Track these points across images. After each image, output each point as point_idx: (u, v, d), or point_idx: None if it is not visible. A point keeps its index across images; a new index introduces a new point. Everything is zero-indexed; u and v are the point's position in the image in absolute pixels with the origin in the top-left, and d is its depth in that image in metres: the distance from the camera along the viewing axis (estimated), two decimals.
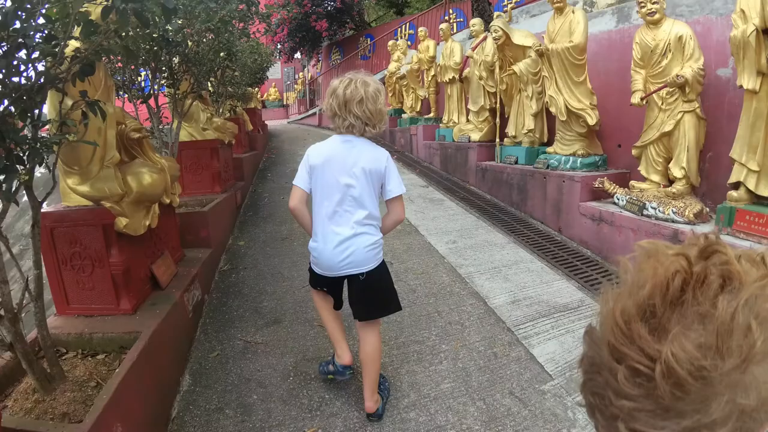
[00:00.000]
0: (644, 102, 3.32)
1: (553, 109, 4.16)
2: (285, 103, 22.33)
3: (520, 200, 4.75)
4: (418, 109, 8.70)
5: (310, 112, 17.56)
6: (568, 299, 2.87)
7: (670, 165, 3.26)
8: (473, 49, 5.73)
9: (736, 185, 2.79)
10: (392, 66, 9.59)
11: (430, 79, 7.79)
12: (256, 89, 10.20)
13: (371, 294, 1.80)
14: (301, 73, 20.71)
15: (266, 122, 13.04)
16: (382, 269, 1.83)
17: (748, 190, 2.72)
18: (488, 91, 5.73)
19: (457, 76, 6.43)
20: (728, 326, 0.33)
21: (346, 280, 1.85)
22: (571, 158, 4.11)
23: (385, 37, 12.09)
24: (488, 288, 3.01)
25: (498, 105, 5.24)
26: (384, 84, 10.43)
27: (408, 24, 12.07)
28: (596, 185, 3.67)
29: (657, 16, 3.20)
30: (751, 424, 0.33)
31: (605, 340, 0.38)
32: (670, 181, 3.35)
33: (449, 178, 6.39)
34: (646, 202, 3.21)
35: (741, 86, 2.63)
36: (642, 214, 3.22)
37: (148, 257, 2.37)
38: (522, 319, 2.62)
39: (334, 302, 1.94)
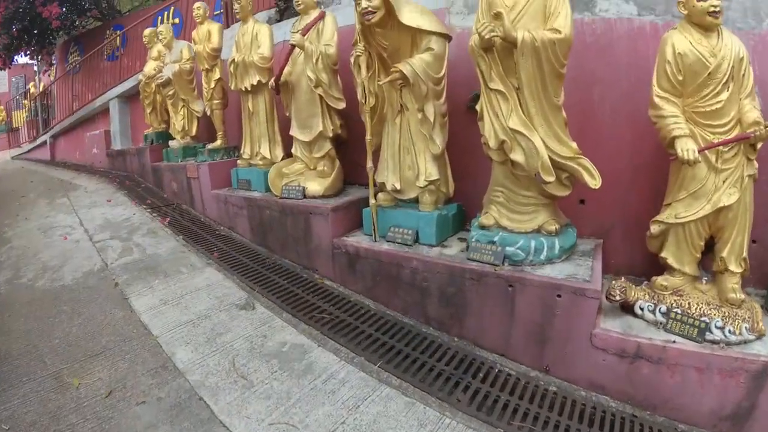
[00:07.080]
0: (699, 158, 2.05)
1: (518, 158, 2.32)
2: (13, 126, 15.83)
3: (442, 317, 2.69)
4: (193, 133, 5.54)
5: (39, 140, 11.26)
6: None
7: (724, 254, 2.18)
8: (303, 33, 3.39)
9: None
10: (149, 67, 5.99)
11: (213, 85, 4.86)
12: None
13: None
14: (32, 83, 14.61)
15: None
16: None
17: None
18: (330, 107, 3.47)
19: (267, 80, 3.85)
20: None
21: None
22: (540, 239, 2.43)
23: (141, 29, 7.63)
24: None
25: (369, 136, 2.93)
26: (139, 95, 6.73)
27: (173, 10, 7.66)
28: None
29: (721, 19, 2.01)
30: None
31: None
32: (707, 271, 2.32)
33: (277, 263, 3.64)
34: (708, 320, 2.05)
35: None
36: (705, 339, 2.03)
37: None
38: None
39: None
